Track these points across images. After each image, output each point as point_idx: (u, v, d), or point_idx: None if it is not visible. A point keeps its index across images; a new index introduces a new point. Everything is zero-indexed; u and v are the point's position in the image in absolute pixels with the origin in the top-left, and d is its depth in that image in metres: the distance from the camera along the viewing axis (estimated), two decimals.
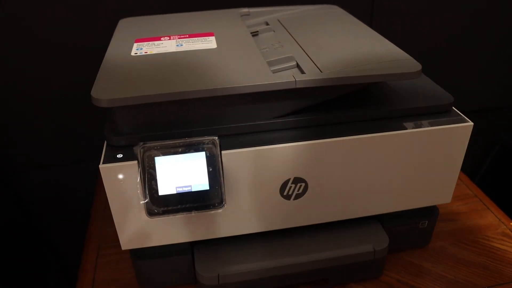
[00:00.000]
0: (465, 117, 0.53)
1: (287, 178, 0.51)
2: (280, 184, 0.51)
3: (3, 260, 0.87)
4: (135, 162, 0.46)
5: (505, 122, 1.22)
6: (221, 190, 0.48)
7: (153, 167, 0.46)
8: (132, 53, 0.55)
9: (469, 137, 0.53)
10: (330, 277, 0.59)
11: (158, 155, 0.46)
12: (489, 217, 0.71)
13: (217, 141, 0.47)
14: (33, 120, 0.89)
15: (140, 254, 0.56)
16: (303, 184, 0.51)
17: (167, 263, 0.56)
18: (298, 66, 0.55)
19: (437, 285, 0.60)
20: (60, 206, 1.02)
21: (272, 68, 0.53)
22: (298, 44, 0.59)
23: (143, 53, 0.55)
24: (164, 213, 0.47)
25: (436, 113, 0.53)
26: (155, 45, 0.57)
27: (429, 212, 0.62)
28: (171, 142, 0.47)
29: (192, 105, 0.48)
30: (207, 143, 0.47)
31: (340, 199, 0.54)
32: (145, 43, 0.58)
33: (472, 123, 0.52)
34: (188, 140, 0.47)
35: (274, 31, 0.66)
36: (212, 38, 0.59)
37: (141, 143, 0.46)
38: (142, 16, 0.72)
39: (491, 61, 1.09)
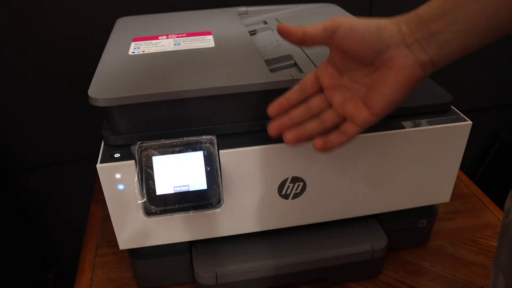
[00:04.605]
0: (464, 116, 0.53)
1: (285, 178, 0.51)
2: (278, 184, 0.51)
3: (2, 260, 0.87)
4: (133, 161, 0.46)
5: (504, 121, 1.22)
6: (219, 189, 0.47)
7: (150, 167, 0.46)
8: (130, 52, 0.55)
9: (467, 136, 0.53)
10: (329, 276, 0.59)
11: (156, 155, 0.46)
12: (488, 216, 0.71)
13: (215, 141, 0.47)
14: (31, 119, 0.89)
15: (138, 254, 0.56)
16: (301, 184, 0.51)
17: (165, 262, 0.56)
18: (296, 65, 0.55)
19: (435, 285, 0.60)
20: (58, 205, 1.02)
21: (270, 67, 0.53)
22: None
23: (141, 52, 0.55)
24: (162, 212, 0.47)
25: (434, 112, 0.53)
26: (153, 44, 0.57)
27: (428, 211, 0.61)
28: (169, 141, 0.47)
29: (190, 104, 0.48)
30: (205, 143, 0.47)
31: (339, 198, 0.54)
32: (143, 42, 0.58)
33: (471, 122, 0.52)
34: (186, 139, 0.47)
35: (272, 30, 0.66)
36: (210, 37, 0.59)
37: (139, 142, 0.46)
38: (140, 15, 0.72)
39: (489, 60, 1.09)
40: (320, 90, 0.44)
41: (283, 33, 0.41)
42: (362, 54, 0.40)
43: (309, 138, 0.44)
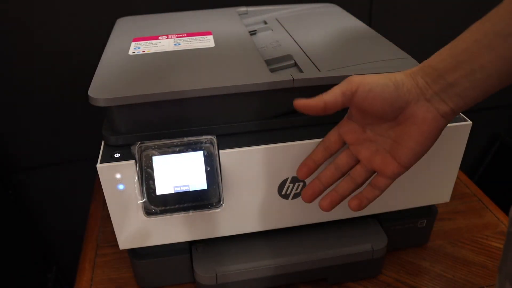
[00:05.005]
0: (464, 116, 0.53)
1: (285, 178, 0.51)
2: (278, 184, 0.51)
3: (2, 260, 0.87)
4: (133, 161, 0.46)
5: (504, 121, 1.22)
6: (219, 189, 0.47)
7: (150, 167, 0.46)
8: (130, 52, 0.55)
9: (467, 136, 0.53)
10: (329, 276, 0.59)
11: (156, 155, 0.46)
12: (488, 216, 0.71)
13: (215, 140, 0.47)
14: (31, 119, 0.89)
15: (138, 254, 0.56)
16: (301, 183, 0.51)
17: (165, 262, 0.56)
18: (296, 65, 0.55)
19: (435, 285, 0.60)
20: (58, 205, 1.02)
21: (270, 67, 0.53)
22: (296, 43, 0.59)
23: (141, 52, 0.55)
24: (162, 212, 0.47)
25: None
26: (153, 44, 0.57)
27: (428, 211, 0.61)
28: (169, 141, 0.47)
29: (190, 104, 0.48)
30: (205, 142, 0.47)
31: None
32: (143, 42, 0.58)
33: (471, 122, 0.52)
34: (186, 139, 0.47)
35: (272, 30, 0.66)
36: (210, 37, 0.59)
37: (139, 142, 0.46)
38: (140, 15, 0.72)
39: None
40: (344, 144, 0.45)
41: (304, 109, 0.41)
42: (383, 112, 0.40)
43: (344, 199, 0.45)
